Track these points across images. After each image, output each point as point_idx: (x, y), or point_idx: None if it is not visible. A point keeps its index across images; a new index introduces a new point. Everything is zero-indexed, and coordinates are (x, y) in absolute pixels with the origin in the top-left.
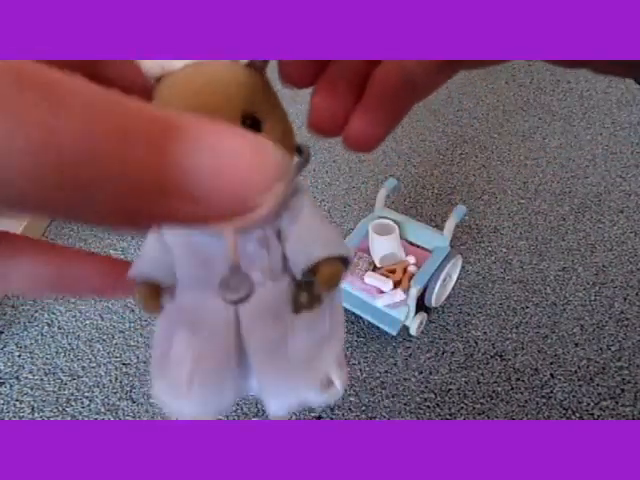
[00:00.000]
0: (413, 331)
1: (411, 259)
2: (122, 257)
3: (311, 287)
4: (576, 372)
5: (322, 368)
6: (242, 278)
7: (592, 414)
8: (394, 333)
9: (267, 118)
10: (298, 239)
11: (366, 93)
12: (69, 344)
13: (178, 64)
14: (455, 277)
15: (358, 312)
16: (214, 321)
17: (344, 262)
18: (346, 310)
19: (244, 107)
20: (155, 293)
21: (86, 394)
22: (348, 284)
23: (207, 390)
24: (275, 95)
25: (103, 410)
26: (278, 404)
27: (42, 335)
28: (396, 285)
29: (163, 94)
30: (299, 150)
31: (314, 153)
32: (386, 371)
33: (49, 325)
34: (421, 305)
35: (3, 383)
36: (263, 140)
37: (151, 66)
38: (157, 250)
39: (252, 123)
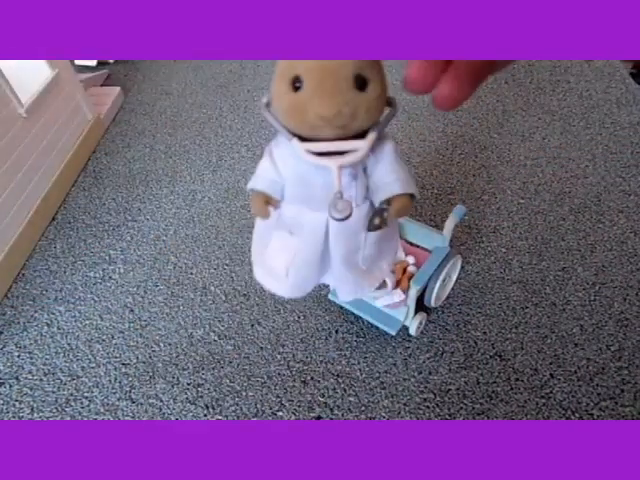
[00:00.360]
0: (413, 331)
1: (410, 259)
2: (121, 257)
3: (383, 213)
4: (576, 372)
5: (379, 274)
6: (346, 203)
7: (592, 414)
8: (393, 333)
9: (372, 79)
10: (380, 177)
11: (453, 64)
12: (68, 344)
13: None
14: (455, 277)
15: (357, 312)
16: (310, 229)
17: (412, 197)
18: (345, 310)
19: (356, 71)
20: (265, 202)
21: (85, 394)
22: None
23: (298, 278)
24: (380, 63)
25: (102, 410)
26: (346, 293)
27: (41, 335)
28: (395, 285)
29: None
30: (390, 103)
31: None
32: (385, 371)
33: (48, 325)
34: (421, 305)
35: (2, 383)
36: None
37: None
38: (270, 172)
39: (361, 81)
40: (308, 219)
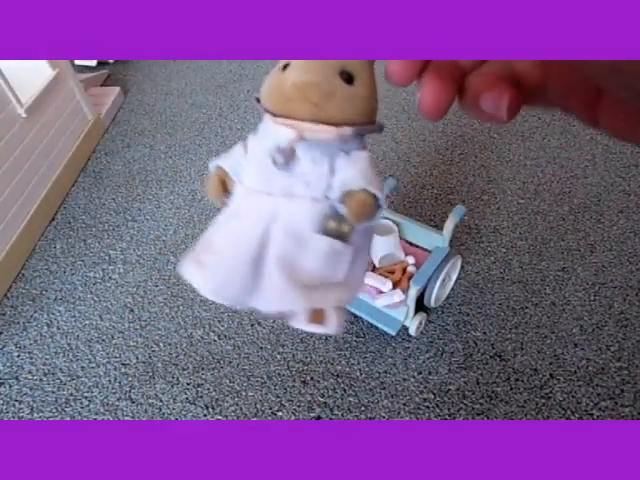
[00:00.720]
0: (412, 331)
1: (410, 259)
2: (121, 257)
3: (342, 219)
4: (575, 372)
5: (318, 301)
6: (291, 151)
7: (591, 414)
8: (393, 333)
9: (359, 77)
10: (347, 176)
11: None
12: (68, 344)
13: None
14: (454, 277)
15: (357, 312)
16: (255, 211)
17: (377, 201)
18: (346, 310)
19: (342, 65)
20: (222, 182)
21: (85, 394)
22: None
23: (223, 270)
24: (370, 64)
25: (102, 410)
26: (270, 302)
27: (41, 335)
28: (395, 285)
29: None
30: (374, 122)
31: None
32: (385, 371)
33: (48, 325)
34: (420, 305)
35: (2, 383)
36: None
37: None
38: (238, 155)
39: (347, 77)
40: (255, 204)
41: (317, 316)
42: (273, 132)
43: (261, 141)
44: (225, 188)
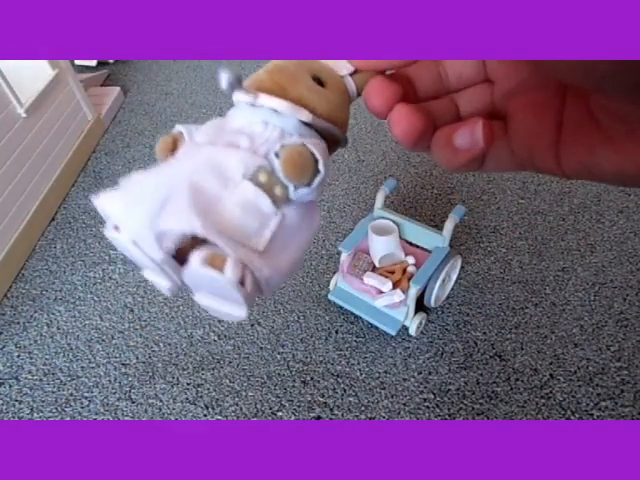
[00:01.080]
0: (412, 331)
1: (410, 259)
2: (121, 257)
3: (274, 176)
4: (575, 372)
5: (222, 242)
6: (238, 77)
7: (591, 414)
8: (393, 333)
9: (330, 87)
10: (288, 141)
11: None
12: (68, 344)
13: None
14: (454, 277)
15: (357, 312)
16: (188, 157)
17: (315, 166)
18: (346, 310)
19: (318, 72)
20: (173, 142)
21: (85, 394)
22: (347, 284)
23: (132, 199)
24: (342, 83)
25: (102, 410)
26: (165, 222)
27: (41, 335)
28: (395, 285)
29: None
30: (342, 137)
31: None
32: (385, 371)
33: (48, 325)
34: (420, 305)
35: (2, 383)
36: None
37: None
38: (206, 125)
39: (318, 81)
40: (196, 148)
41: (215, 260)
42: (236, 105)
43: (226, 118)
44: (175, 147)
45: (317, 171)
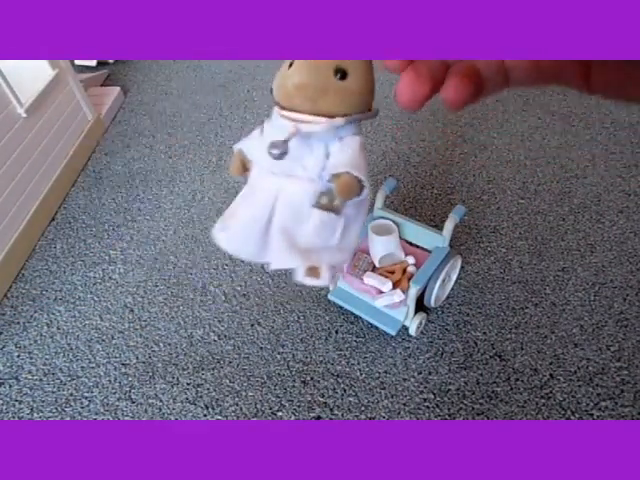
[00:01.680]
0: (412, 331)
1: (410, 259)
2: (121, 257)
3: (331, 193)
4: (575, 372)
5: (315, 260)
6: (282, 145)
7: (591, 414)
8: (393, 333)
9: (352, 73)
10: (336, 159)
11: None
12: (68, 344)
13: None
14: (454, 277)
15: (357, 312)
16: (264, 189)
17: (360, 183)
18: (346, 310)
19: (337, 63)
20: (242, 162)
21: (85, 394)
22: (347, 284)
23: (240, 230)
24: (368, 68)
25: (102, 410)
26: (277, 261)
27: (41, 335)
28: (395, 285)
29: None
30: (371, 110)
31: None
32: (385, 371)
33: (48, 325)
34: (420, 305)
35: (2, 383)
36: None
37: None
38: (256, 139)
39: (341, 74)
40: (265, 180)
41: (313, 272)
42: (278, 124)
43: (271, 128)
44: (245, 167)
45: (363, 187)
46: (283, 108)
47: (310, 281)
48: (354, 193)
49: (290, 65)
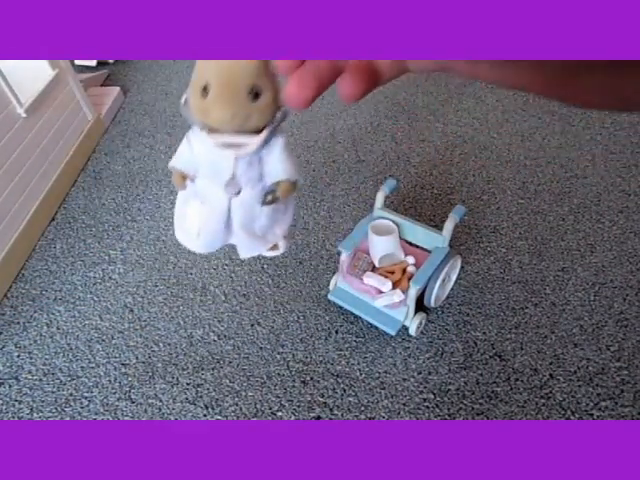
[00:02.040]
0: (412, 331)
1: (410, 259)
2: (121, 257)
3: (273, 193)
4: (575, 372)
5: (272, 238)
6: (235, 184)
7: (591, 414)
8: (393, 333)
9: (264, 90)
10: (270, 165)
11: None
12: (68, 344)
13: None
14: (454, 277)
15: (357, 312)
16: (216, 202)
17: (295, 183)
18: (345, 310)
19: (252, 82)
20: (182, 178)
21: (85, 394)
22: (347, 284)
23: (207, 238)
24: (273, 75)
25: (102, 410)
26: (245, 252)
27: (41, 335)
28: (395, 285)
29: (205, 67)
30: (281, 108)
31: (314, 154)
32: (385, 371)
33: (48, 326)
34: (420, 305)
35: (2, 383)
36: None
37: None
38: (187, 154)
39: (255, 93)
40: (215, 194)
41: (273, 247)
42: (216, 152)
43: (203, 147)
44: (184, 178)
45: (296, 185)
46: (211, 130)
47: (272, 253)
48: (293, 191)
49: (204, 89)
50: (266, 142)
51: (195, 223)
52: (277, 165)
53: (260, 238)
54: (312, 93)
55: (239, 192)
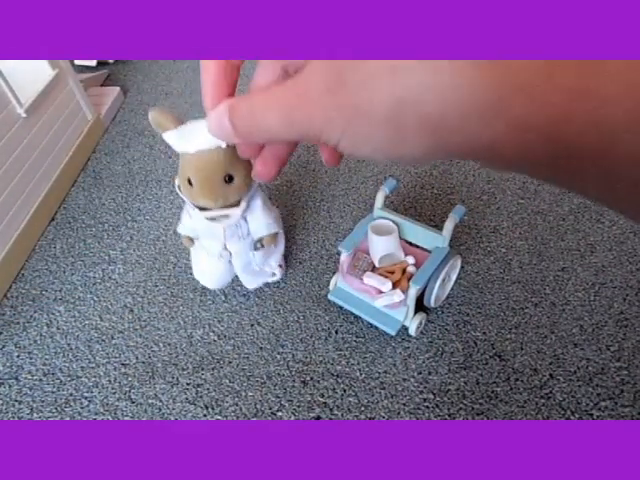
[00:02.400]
0: (412, 331)
1: (410, 259)
2: (121, 257)
3: (261, 241)
4: (575, 372)
5: (269, 269)
6: (226, 252)
7: (591, 414)
8: (393, 333)
9: (237, 174)
10: (254, 223)
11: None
12: (68, 344)
13: (192, 149)
14: (454, 277)
15: (357, 312)
16: (219, 253)
17: (277, 233)
18: (345, 310)
19: (225, 171)
20: (190, 239)
21: (85, 394)
22: (347, 284)
23: (217, 278)
24: (244, 163)
25: (102, 410)
26: (250, 285)
27: (41, 335)
28: (395, 285)
29: (187, 164)
30: (253, 183)
31: (314, 154)
32: (385, 371)
33: (48, 325)
34: (420, 305)
35: (2, 384)
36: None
37: (174, 144)
38: (189, 223)
39: (229, 178)
40: (215, 247)
41: (272, 274)
42: (211, 225)
43: (198, 219)
44: (191, 240)
45: (277, 232)
46: (202, 207)
47: (272, 279)
48: (275, 239)
49: (189, 181)
50: (247, 207)
51: (206, 270)
52: (259, 223)
53: (258, 272)
54: (275, 170)
55: (231, 255)
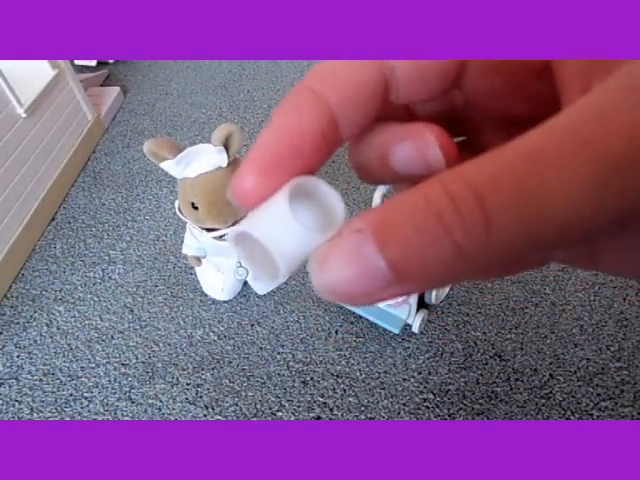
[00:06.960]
0: (416, 328)
1: None
2: (121, 257)
3: None
4: (575, 372)
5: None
6: (243, 269)
7: (591, 414)
8: (397, 331)
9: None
10: None
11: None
12: (68, 345)
13: (193, 174)
14: None
15: (359, 312)
16: (228, 267)
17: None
18: (345, 310)
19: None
20: (196, 259)
21: (85, 394)
22: None
23: (230, 293)
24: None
25: (102, 410)
26: (261, 292)
27: (41, 336)
28: None
29: (189, 189)
30: None
31: None
32: (385, 371)
33: (48, 326)
34: (421, 302)
35: (2, 384)
36: None
37: (174, 172)
38: (194, 243)
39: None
40: (226, 262)
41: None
42: (219, 243)
43: (205, 239)
44: (198, 259)
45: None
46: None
47: (281, 281)
48: None
49: (193, 205)
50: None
51: (218, 284)
52: None
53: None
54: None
55: (247, 275)
